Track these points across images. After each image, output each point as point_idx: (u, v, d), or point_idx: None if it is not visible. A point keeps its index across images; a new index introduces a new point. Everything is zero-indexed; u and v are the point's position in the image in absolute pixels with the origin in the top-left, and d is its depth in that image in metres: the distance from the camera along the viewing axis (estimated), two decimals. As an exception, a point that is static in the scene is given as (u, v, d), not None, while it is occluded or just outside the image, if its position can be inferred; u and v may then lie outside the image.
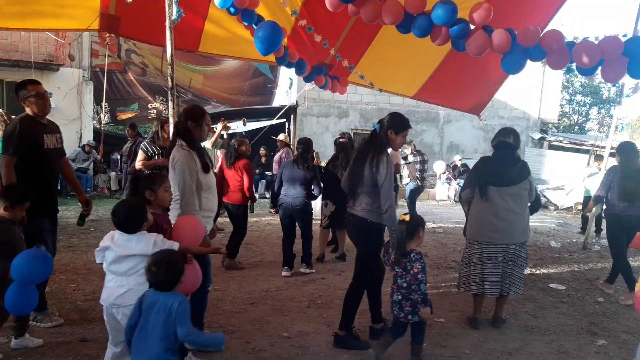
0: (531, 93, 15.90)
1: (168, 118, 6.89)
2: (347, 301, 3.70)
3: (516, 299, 4.75)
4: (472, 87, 7.40)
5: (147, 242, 2.62)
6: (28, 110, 3.62)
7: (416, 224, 3.35)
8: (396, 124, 3.62)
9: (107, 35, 8.27)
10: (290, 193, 5.56)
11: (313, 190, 5.65)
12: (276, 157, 10.62)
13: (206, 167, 3.35)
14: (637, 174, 5.07)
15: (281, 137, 10.57)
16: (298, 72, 5.84)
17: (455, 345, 3.74)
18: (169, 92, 4.38)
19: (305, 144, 5.74)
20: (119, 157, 11.01)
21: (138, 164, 5.64)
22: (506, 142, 4.14)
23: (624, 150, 5.26)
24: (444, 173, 14.44)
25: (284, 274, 5.50)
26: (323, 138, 14.99)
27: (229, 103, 16.05)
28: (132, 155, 8.86)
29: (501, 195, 4.05)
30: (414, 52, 6.14)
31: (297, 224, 5.68)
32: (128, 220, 2.65)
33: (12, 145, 3.49)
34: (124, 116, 16.23)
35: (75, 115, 11.78)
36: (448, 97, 7.85)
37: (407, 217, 3.35)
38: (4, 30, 9.31)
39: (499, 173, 4.08)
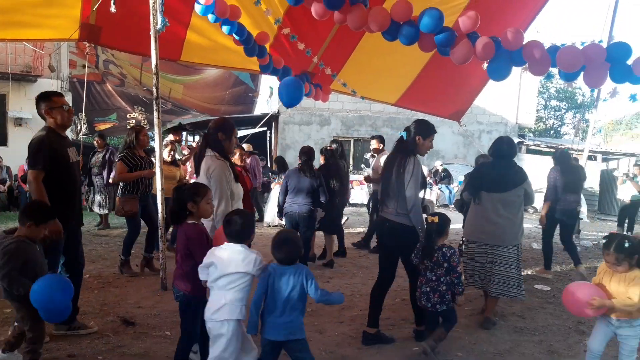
0: (509, 99, 16.18)
1: (143, 126, 6.80)
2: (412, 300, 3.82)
3: (503, 300, 4.80)
4: (452, 94, 7.52)
5: (250, 260, 2.67)
6: (50, 122, 3.52)
7: (444, 222, 3.51)
8: (424, 130, 3.80)
9: (87, 45, 8.19)
10: (296, 202, 5.64)
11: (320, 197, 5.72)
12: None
13: (237, 177, 3.46)
14: (573, 170, 6.36)
15: (244, 147, 10.59)
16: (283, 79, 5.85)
17: (447, 349, 3.75)
18: (154, 102, 4.34)
19: (307, 154, 5.82)
20: (89, 168, 10.69)
21: (119, 176, 5.40)
22: (500, 150, 4.33)
23: (561, 155, 6.55)
24: (426, 178, 14.59)
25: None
26: (305, 146, 15.00)
27: (209, 112, 15.96)
28: (108, 166, 8.64)
29: (492, 200, 4.25)
30: (395, 60, 6.22)
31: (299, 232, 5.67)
32: (242, 229, 2.70)
33: (41, 159, 3.37)
34: (102, 127, 16.00)
35: (53, 127, 11.53)
36: (429, 104, 7.95)
37: (436, 219, 3.49)
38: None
39: (491, 180, 4.28)
